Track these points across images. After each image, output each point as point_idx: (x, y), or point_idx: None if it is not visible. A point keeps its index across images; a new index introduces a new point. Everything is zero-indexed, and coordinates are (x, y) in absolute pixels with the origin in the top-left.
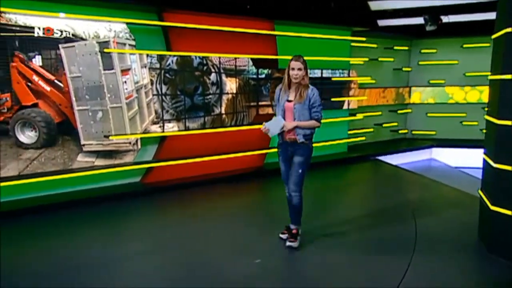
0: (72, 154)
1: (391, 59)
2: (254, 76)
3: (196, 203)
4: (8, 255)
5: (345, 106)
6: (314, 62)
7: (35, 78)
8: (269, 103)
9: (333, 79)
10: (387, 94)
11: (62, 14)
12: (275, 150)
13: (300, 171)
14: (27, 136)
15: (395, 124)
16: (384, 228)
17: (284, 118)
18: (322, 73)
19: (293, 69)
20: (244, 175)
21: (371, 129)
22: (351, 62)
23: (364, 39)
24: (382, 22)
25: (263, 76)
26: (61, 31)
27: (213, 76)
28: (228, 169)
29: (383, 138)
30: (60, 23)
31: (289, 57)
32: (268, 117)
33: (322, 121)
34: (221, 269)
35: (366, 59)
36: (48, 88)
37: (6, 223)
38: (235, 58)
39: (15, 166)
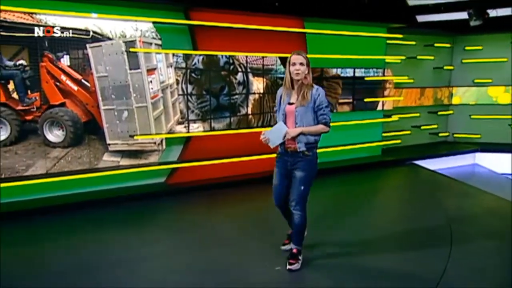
0: (98, 154)
1: (431, 57)
2: (282, 76)
3: (221, 205)
4: (32, 253)
5: (379, 107)
6: (346, 61)
7: (63, 77)
8: None
9: (366, 78)
10: (426, 94)
11: (94, 15)
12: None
13: (302, 188)
14: (54, 135)
15: (435, 126)
16: (412, 246)
17: (285, 123)
18: (354, 72)
19: (293, 64)
20: (272, 178)
21: (408, 132)
22: (386, 61)
23: (401, 36)
24: (421, 18)
25: None
26: (89, 31)
27: (239, 76)
28: (255, 171)
29: (421, 141)
30: (88, 22)
31: (320, 56)
32: None
33: (354, 122)
34: (240, 275)
35: (403, 57)
36: (75, 88)
37: (33, 221)
38: (263, 57)
39: (43, 165)
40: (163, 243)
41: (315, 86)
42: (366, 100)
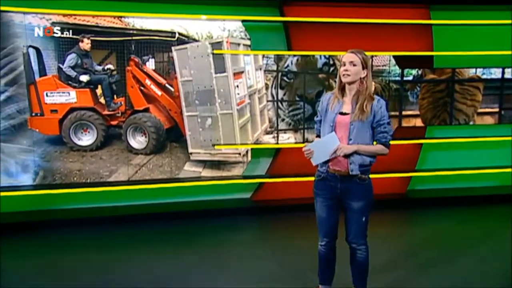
0: (179, 162)
1: None
2: (397, 78)
3: (312, 230)
4: (100, 261)
5: None
6: (490, 58)
7: (148, 82)
8: (417, 112)
9: None
10: None
11: (203, 17)
12: (424, 173)
13: (363, 219)
14: (137, 141)
15: None
16: None
17: None
18: (503, 73)
19: (343, 64)
20: (380, 203)
21: None
22: None
23: None
24: None
25: (410, 78)
26: (175, 33)
27: None
28: None
29: None
30: (173, 24)
31: (450, 53)
32: (414, 131)
33: (479, 140)
34: None
35: None
36: (159, 93)
37: (110, 229)
38: (372, 57)
39: (125, 171)
40: (235, 268)
41: (376, 97)
42: None
